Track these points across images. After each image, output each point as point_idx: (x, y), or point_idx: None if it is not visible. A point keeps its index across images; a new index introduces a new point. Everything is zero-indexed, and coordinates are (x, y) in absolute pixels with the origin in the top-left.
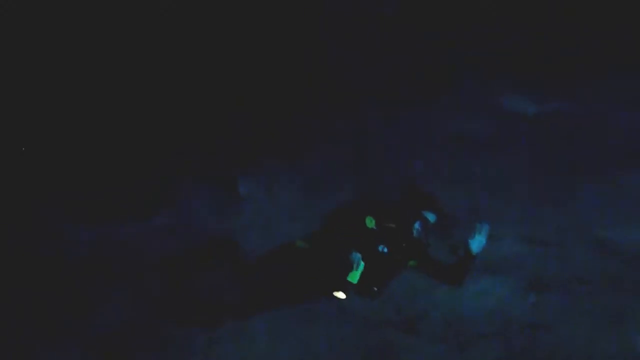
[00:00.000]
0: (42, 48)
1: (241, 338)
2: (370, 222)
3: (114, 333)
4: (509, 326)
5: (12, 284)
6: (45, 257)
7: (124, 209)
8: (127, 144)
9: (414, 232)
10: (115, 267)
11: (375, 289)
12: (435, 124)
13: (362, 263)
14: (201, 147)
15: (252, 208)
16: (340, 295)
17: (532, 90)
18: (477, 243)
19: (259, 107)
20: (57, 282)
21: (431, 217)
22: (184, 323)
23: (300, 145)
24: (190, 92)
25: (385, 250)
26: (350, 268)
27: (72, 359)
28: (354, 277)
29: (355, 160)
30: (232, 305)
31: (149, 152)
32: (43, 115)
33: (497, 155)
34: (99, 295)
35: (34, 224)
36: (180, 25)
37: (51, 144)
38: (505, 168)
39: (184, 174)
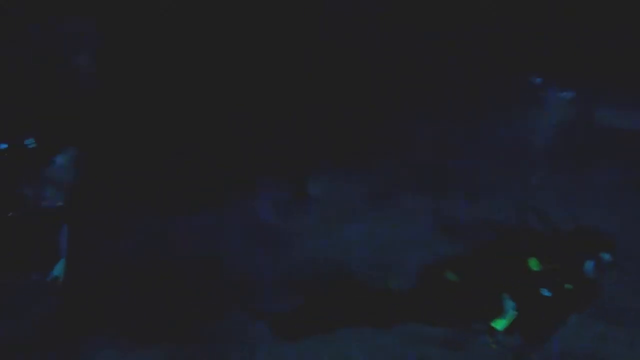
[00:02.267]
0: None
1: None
2: (535, 265)
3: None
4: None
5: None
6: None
7: (194, 204)
8: (200, 142)
9: (587, 272)
10: (185, 260)
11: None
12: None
13: (514, 312)
14: (272, 147)
15: (320, 209)
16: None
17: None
18: None
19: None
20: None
21: (606, 256)
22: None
23: (368, 150)
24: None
25: (549, 293)
26: (499, 313)
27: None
28: (501, 324)
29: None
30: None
31: (220, 151)
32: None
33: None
34: (168, 289)
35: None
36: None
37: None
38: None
39: (254, 171)
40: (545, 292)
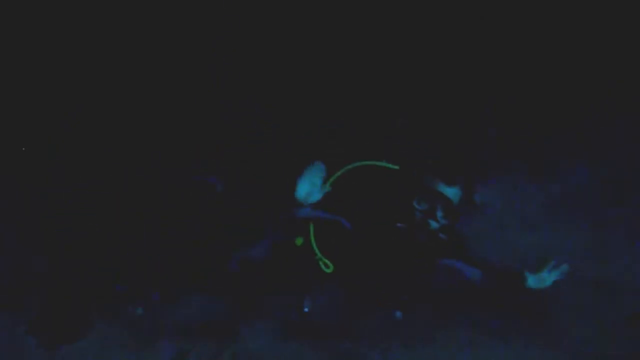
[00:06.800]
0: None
1: None
2: None
3: None
4: None
5: None
6: None
7: None
8: None
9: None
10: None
11: None
12: None
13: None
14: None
15: (486, 217)
16: None
17: None
18: None
19: None
20: None
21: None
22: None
23: (547, 159)
24: None
25: None
26: None
27: None
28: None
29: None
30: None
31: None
32: None
33: None
34: None
35: None
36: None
37: None
38: None
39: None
40: None
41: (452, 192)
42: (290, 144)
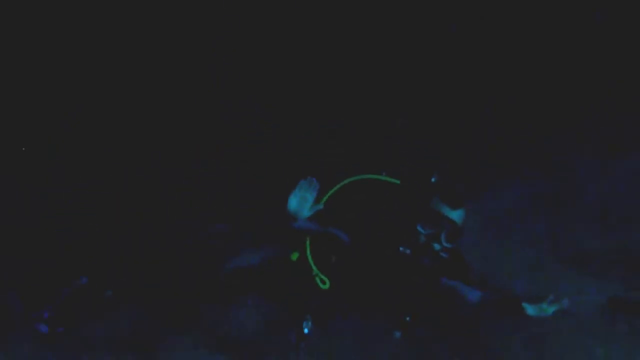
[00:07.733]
0: None
1: None
2: None
3: None
4: None
5: None
6: None
7: None
8: None
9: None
10: None
11: None
12: None
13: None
14: None
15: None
16: None
17: None
18: None
19: None
20: None
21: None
22: None
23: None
24: None
25: None
26: None
27: None
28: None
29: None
30: None
31: None
32: None
33: None
34: None
35: None
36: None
37: None
38: None
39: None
40: None
41: (457, 215)
42: (290, 144)
